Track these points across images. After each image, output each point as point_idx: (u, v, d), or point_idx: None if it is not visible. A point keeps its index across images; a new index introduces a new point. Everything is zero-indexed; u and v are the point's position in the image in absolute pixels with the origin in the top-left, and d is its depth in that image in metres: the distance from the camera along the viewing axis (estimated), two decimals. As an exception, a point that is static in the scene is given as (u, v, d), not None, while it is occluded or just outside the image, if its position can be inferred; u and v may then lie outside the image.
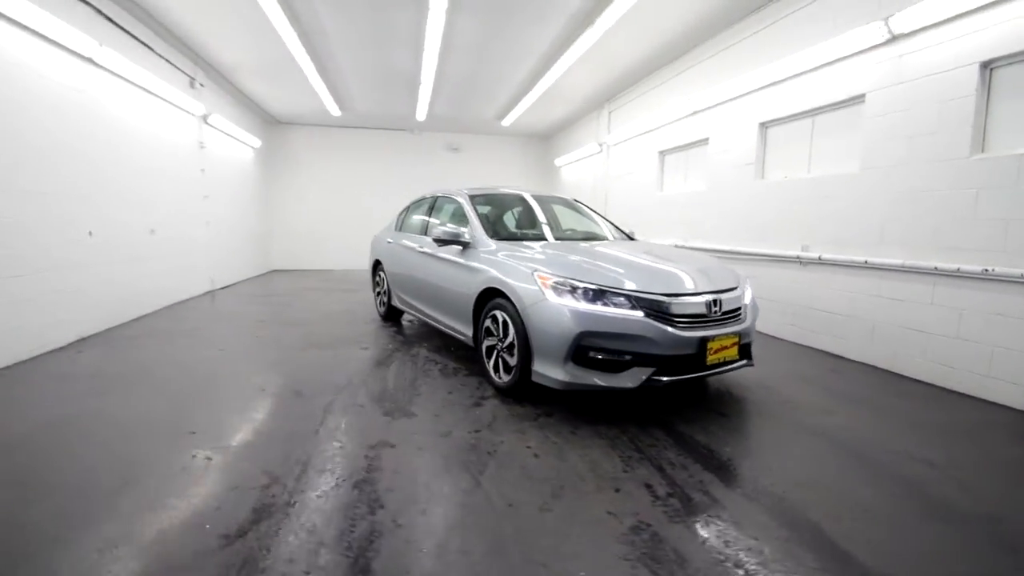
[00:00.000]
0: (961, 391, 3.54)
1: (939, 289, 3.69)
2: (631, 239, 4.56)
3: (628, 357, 2.83)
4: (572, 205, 4.93)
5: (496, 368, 3.44)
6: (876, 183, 4.15)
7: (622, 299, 2.88)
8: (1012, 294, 3.24)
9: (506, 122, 10.60)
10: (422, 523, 1.93)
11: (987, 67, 3.39)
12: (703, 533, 1.91)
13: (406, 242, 5.13)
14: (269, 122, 11.06)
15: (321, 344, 4.69)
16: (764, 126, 5.46)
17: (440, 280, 4.23)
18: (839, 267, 4.46)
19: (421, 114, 9.98)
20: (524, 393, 3.25)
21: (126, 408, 3.05)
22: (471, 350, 4.41)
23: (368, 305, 6.86)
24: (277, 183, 11.49)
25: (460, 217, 4.58)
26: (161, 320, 5.62)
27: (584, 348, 2.84)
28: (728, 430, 2.91)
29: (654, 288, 2.94)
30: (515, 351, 3.18)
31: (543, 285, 3.01)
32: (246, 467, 2.32)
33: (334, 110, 9.62)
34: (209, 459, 2.40)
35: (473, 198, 4.42)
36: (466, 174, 12.36)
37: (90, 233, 4.80)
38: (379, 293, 5.99)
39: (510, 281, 3.23)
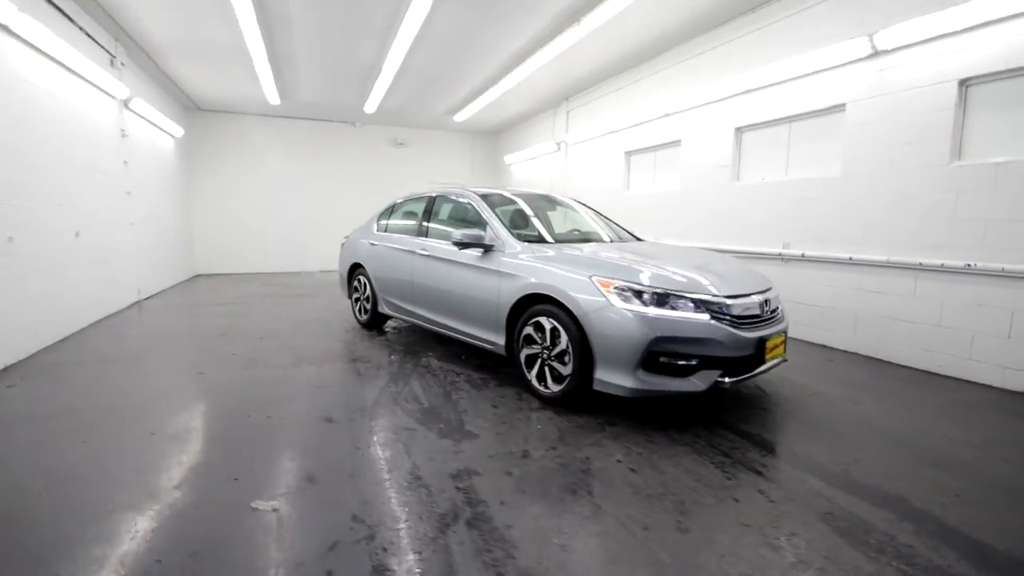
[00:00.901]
0: (943, 373, 3.96)
1: (921, 283, 4.09)
2: (638, 239, 4.58)
3: (695, 361, 2.82)
4: (566, 204, 4.80)
5: (541, 378, 3.28)
6: (858, 186, 4.52)
7: (686, 302, 2.85)
8: (991, 286, 3.67)
9: (459, 118, 10.31)
10: (576, 563, 1.75)
11: (964, 84, 3.80)
12: (849, 535, 1.92)
13: (397, 245, 4.77)
14: (189, 108, 9.83)
15: (313, 359, 4.22)
16: (740, 131, 5.75)
17: (455, 286, 3.97)
18: (823, 263, 4.81)
19: (371, 107, 9.39)
20: (577, 403, 3.13)
21: (145, 456, 2.51)
22: (491, 358, 4.21)
23: (337, 311, 6.33)
24: (200, 177, 10.26)
25: (465, 219, 4.33)
26: (98, 339, 4.76)
27: (654, 354, 2.78)
28: (786, 426, 2.99)
29: (714, 290, 2.95)
30: (569, 359, 3.05)
31: (605, 290, 2.91)
32: (329, 519, 1.98)
33: (273, 98, 8.75)
34: (276, 510, 2.02)
35: (486, 198, 4.19)
36: (412, 171, 11.91)
37: (10, 239, 3.93)
38: (358, 299, 5.53)
39: (561, 286, 3.08)
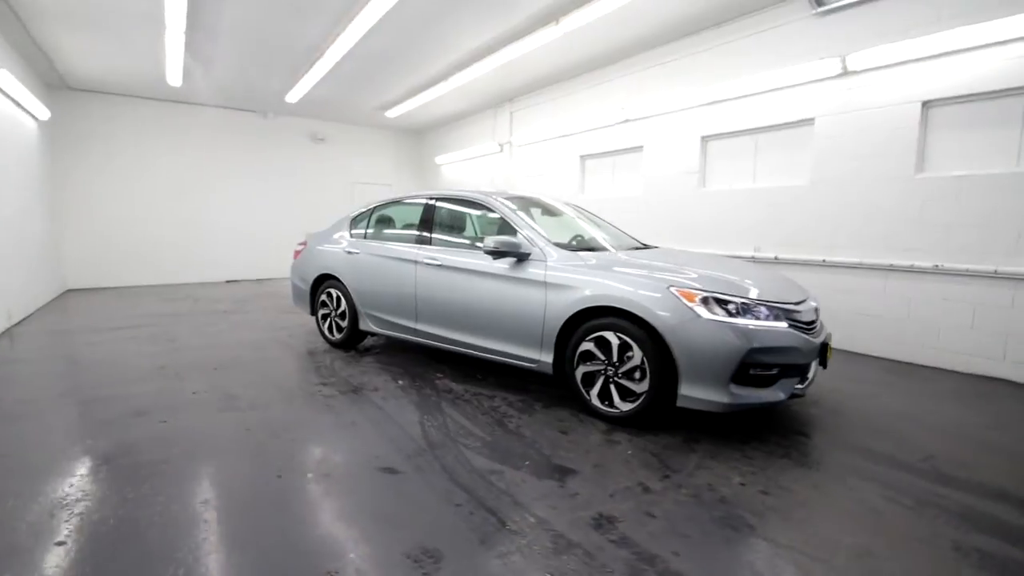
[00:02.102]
0: (915, 362, 4.44)
1: (890, 282, 4.56)
2: (646, 246, 4.52)
3: (775, 370, 2.79)
4: (557, 208, 4.56)
5: (604, 397, 3.05)
6: (827, 195, 4.93)
7: (765, 310, 2.81)
8: (955, 284, 4.19)
9: (393, 113, 9.60)
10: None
11: (926, 105, 4.30)
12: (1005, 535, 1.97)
13: (390, 254, 4.20)
14: (55, 86, 7.94)
15: (304, 392, 3.53)
16: (706, 139, 6.01)
17: (479, 299, 3.56)
18: (796, 265, 5.18)
19: (295, 95, 8.35)
20: (649, 422, 2.95)
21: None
22: (515, 377, 3.88)
23: (286, 329, 5.48)
24: (70, 171, 8.35)
25: (481, 224, 3.95)
26: (-24, 386, 3.54)
27: (745, 365, 2.69)
28: (839, 425, 3.08)
29: (784, 297, 2.95)
30: (643, 376, 2.86)
31: (689, 301, 2.76)
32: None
33: (175, 79, 7.36)
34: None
35: (512, 200, 3.84)
36: (332, 169, 10.93)
37: None
38: (328, 315, 4.80)
39: (635, 298, 2.87)
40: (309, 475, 2.38)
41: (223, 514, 2.05)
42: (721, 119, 5.77)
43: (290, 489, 2.25)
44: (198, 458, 2.54)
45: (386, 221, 4.61)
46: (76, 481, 2.29)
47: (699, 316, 2.72)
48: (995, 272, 3.95)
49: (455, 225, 4.12)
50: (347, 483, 2.32)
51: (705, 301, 2.75)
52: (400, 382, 3.78)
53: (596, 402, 3.08)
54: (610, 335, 2.97)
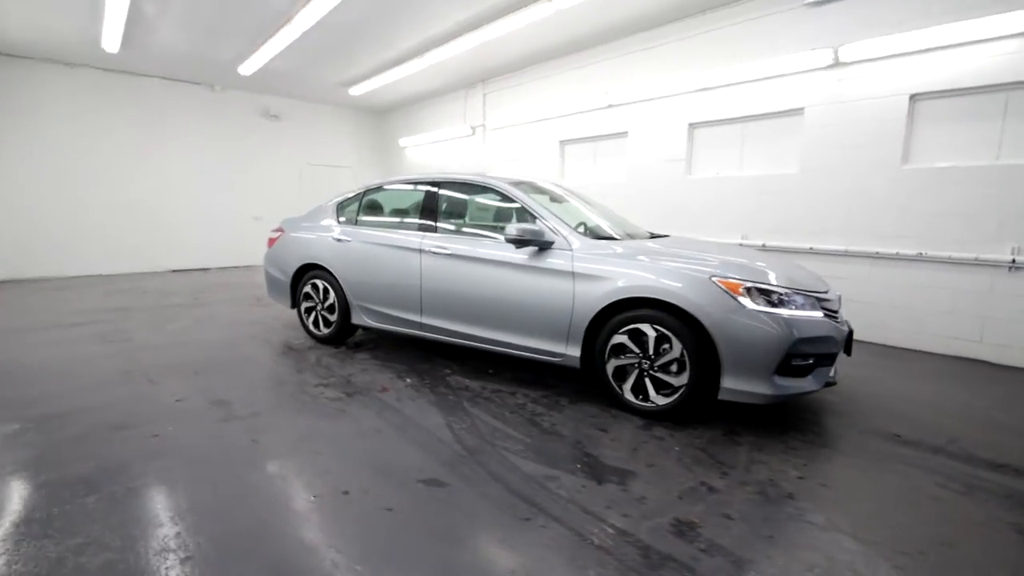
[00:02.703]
0: (896, 346, 4.67)
1: (876, 269, 4.75)
2: (656, 236, 4.43)
3: (811, 360, 2.79)
4: (557, 196, 4.39)
5: (638, 391, 2.95)
6: (816, 183, 5.05)
7: (802, 300, 2.79)
8: (937, 271, 4.41)
9: (357, 91, 9.01)
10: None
11: (914, 98, 4.45)
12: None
13: (389, 242, 3.89)
14: (-45, 45, 6.81)
15: (304, 395, 3.20)
16: (694, 126, 6.01)
17: (498, 291, 3.35)
18: (785, 253, 5.30)
19: (250, 67, 7.62)
20: (687, 415, 2.88)
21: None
22: (529, 370, 3.72)
23: (260, 324, 5.02)
24: (-23, 145, 7.23)
25: (492, 210, 3.72)
26: None
27: (788, 356, 2.67)
28: (861, 410, 3.15)
29: (815, 286, 2.95)
30: (684, 369, 2.78)
31: (733, 292, 2.69)
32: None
33: (112, 44, 6.49)
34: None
35: (518, 185, 3.62)
36: (287, 149, 10.22)
37: None
38: (312, 309, 4.41)
39: (676, 289, 2.77)
40: (346, 492, 2.12)
41: (265, 547, 1.77)
42: (710, 106, 5.78)
43: (330, 511, 1.99)
44: (212, 480, 2.20)
45: (380, 206, 4.27)
46: (57, 517, 1.91)
47: (744, 307, 2.66)
48: (976, 259, 4.18)
49: (463, 211, 3.86)
50: (392, 500, 2.08)
51: (749, 292, 2.69)
52: (408, 380, 3.52)
53: (629, 396, 2.98)
54: (646, 327, 2.86)
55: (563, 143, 7.57)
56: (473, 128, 8.96)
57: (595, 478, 2.27)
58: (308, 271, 4.41)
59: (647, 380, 2.92)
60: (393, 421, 2.85)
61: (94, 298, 6.32)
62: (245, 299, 6.38)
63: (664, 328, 2.81)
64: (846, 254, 4.88)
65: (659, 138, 6.28)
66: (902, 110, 4.48)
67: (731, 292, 2.70)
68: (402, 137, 10.70)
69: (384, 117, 11.36)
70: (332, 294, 4.23)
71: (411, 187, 4.15)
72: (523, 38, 6.47)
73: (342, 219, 4.34)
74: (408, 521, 1.94)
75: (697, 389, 2.77)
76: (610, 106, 6.74)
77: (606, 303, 2.96)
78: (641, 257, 3.03)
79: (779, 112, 5.27)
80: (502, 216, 3.73)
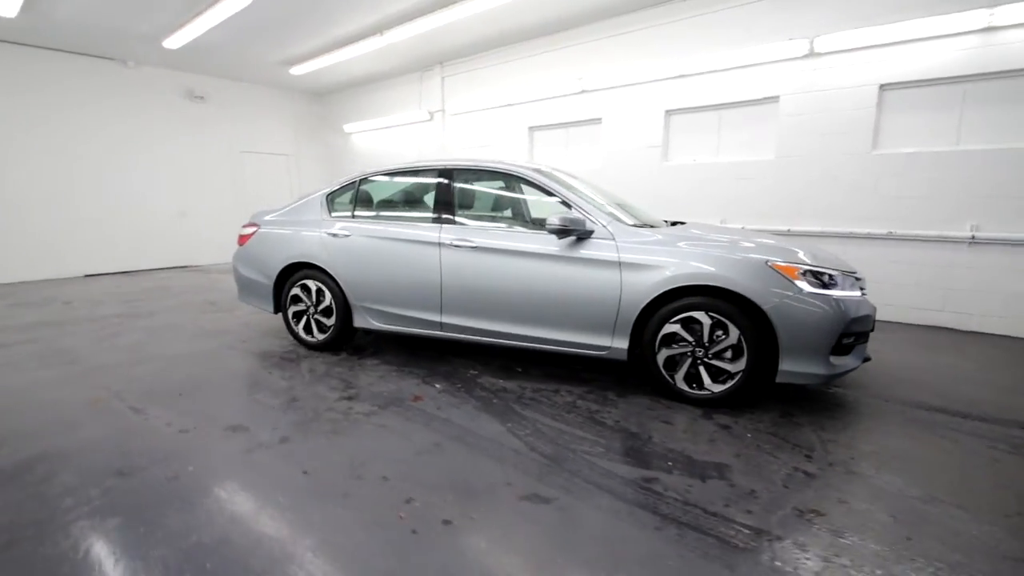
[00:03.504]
0: (868, 318, 5.06)
1: (848, 248, 5.10)
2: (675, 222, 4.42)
3: (853, 338, 2.90)
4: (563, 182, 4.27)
5: (691, 380, 2.91)
6: (792, 168, 5.31)
7: (846, 280, 2.88)
8: (904, 248, 4.81)
9: (299, 71, 8.24)
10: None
11: (883, 88, 4.78)
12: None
13: (399, 236, 3.55)
14: None
15: (335, 412, 2.84)
16: (670, 113, 6.10)
17: (537, 285, 3.16)
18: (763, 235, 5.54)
19: (178, 41, 6.69)
20: (742, 401, 2.88)
21: None
22: (560, 365, 3.58)
23: (231, 333, 4.45)
24: None
25: (499, 198, 3.51)
26: None
27: (841, 336, 2.74)
28: (873, 382, 3.34)
29: (851, 267, 3.06)
30: (741, 355, 2.78)
31: (791, 276, 2.71)
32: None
33: (9, 8, 5.37)
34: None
35: (540, 171, 3.43)
36: (215, 134, 9.20)
37: None
38: (301, 313, 3.96)
39: (735, 275, 2.74)
40: (448, 521, 1.87)
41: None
42: (687, 93, 5.88)
43: (452, 547, 1.74)
44: (294, 532, 1.86)
45: (381, 197, 3.90)
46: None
47: (801, 291, 2.69)
48: (939, 236, 4.60)
49: (483, 201, 3.62)
50: (503, 525, 1.87)
51: (805, 275, 2.73)
52: (438, 386, 3.25)
53: (682, 386, 2.94)
54: (701, 315, 2.82)
55: (532, 129, 7.41)
56: (431, 113, 8.54)
57: (693, 475, 2.20)
58: (296, 271, 3.94)
59: (701, 368, 2.89)
60: (448, 433, 2.60)
61: (5, 312, 5.29)
62: (195, 305, 5.64)
63: (720, 315, 2.79)
64: (821, 235, 5.19)
65: (635, 124, 6.32)
66: (872, 99, 4.80)
67: (788, 276, 2.72)
68: (348, 123, 9.98)
69: (326, 100, 10.53)
70: (328, 296, 3.81)
71: (415, 175, 3.82)
72: (488, 19, 6.20)
73: (335, 212, 3.91)
74: (531, 546, 1.75)
75: (753, 374, 2.79)
76: (583, 91, 6.66)
77: (658, 292, 2.88)
78: (681, 244, 2.99)
79: (755, 100, 5.47)
80: (526, 205, 3.54)
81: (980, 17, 4.16)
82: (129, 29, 6.45)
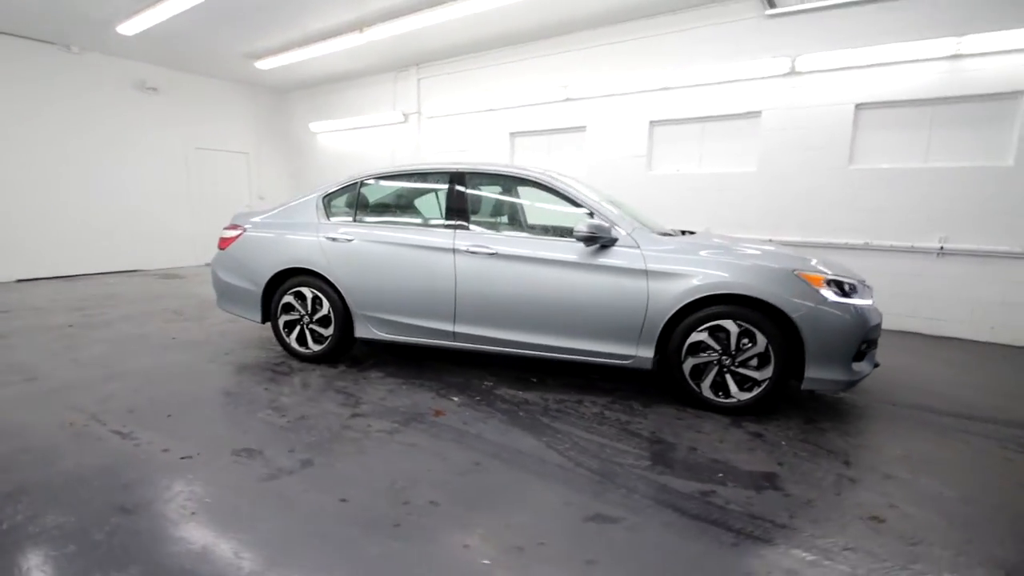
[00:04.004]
0: (845, 324, 5.32)
1: (828, 257, 5.32)
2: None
3: (866, 345, 3.00)
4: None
5: (717, 388, 2.92)
6: (773, 181, 5.52)
7: (862, 288, 2.97)
8: (880, 258, 5.09)
9: (265, 65, 7.79)
10: None
11: (859, 107, 5.06)
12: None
13: (409, 241, 3.37)
14: None
15: (354, 431, 2.63)
16: (654, 124, 6.21)
17: (560, 293, 3.07)
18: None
19: (135, 26, 6.15)
20: (766, 408, 2.91)
21: None
22: (576, 375, 3.52)
23: (209, 344, 4.08)
24: None
25: (513, 203, 3.42)
26: None
27: (861, 343, 2.83)
28: (872, 388, 3.49)
29: (861, 276, 3.17)
30: (768, 363, 2.81)
31: (816, 285, 2.77)
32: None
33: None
34: None
35: (558, 179, 3.35)
36: (169, 128, 8.57)
37: None
38: (296, 323, 3.68)
39: (764, 285, 2.77)
40: (520, 548, 1.74)
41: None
42: (671, 105, 6.00)
43: (528, 575, 1.61)
44: (349, 568, 1.66)
45: (386, 200, 3.70)
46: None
47: (826, 299, 2.76)
48: (911, 247, 4.91)
49: (497, 205, 3.50)
50: (578, 550, 1.76)
51: (829, 284, 2.80)
52: (455, 399, 3.09)
53: (708, 394, 2.94)
54: (729, 324, 2.84)
55: (514, 135, 7.35)
56: (406, 115, 8.31)
57: (747, 486, 2.18)
58: (288, 278, 3.67)
59: (728, 376, 2.90)
60: (483, 449, 2.46)
61: (-77, 323, 4.62)
62: (156, 313, 5.16)
63: (747, 323, 2.81)
64: (803, 245, 5.40)
65: (620, 134, 6.39)
66: (849, 117, 5.07)
67: (814, 285, 2.78)
68: (314, 121, 9.55)
69: (290, 98, 10.03)
70: (326, 304, 3.57)
71: (422, 178, 3.65)
72: (475, 23, 6.11)
73: (334, 216, 3.67)
74: (635, 572, 1.65)
75: (779, 382, 2.82)
76: (568, 99, 6.68)
77: (687, 301, 2.87)
78: (703, 252, 3.01)
79: (738, 114, 5.66)
80: (544, 211, 3.45)
81: (949, 45, 4.49)
82: (80, 11, 5.87)
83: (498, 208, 3.56)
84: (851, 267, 3.42)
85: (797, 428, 2.78)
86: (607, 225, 3.01)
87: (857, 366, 2.85)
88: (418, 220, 3.59)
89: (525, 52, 6.93)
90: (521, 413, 2.89)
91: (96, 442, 2.44)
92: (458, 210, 3.39)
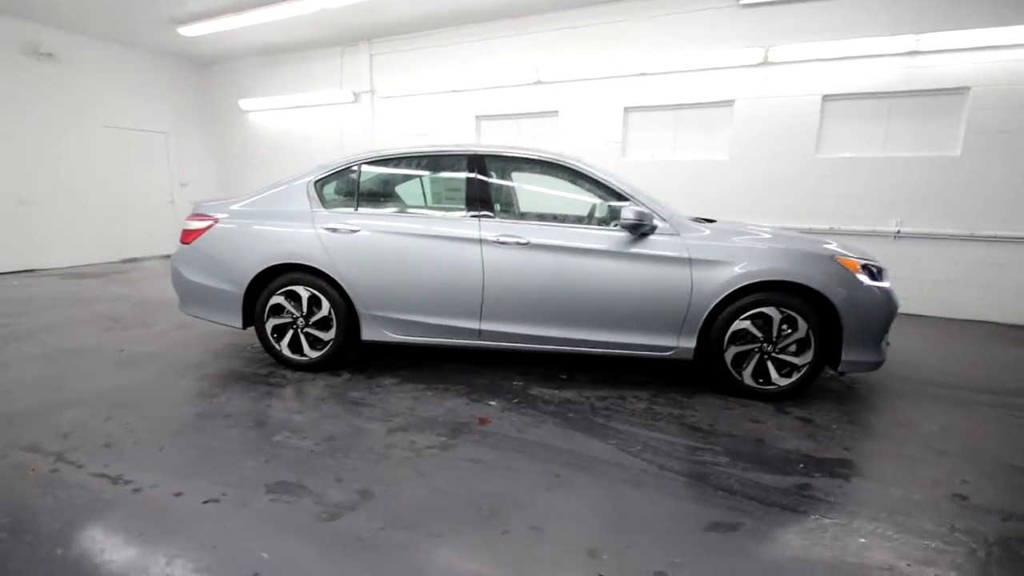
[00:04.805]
0: (811, 304, 5.65)
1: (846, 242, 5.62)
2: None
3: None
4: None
5: (759, 375, 2.91)
6: (745, 169, 5.71)
7: (884, 270, 3.09)
8: (846, 242, 5.40)
9: (191, 31, 6.80)
10: None
11: (825, 98, 5.32)
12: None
13: (432, 230, 3.04)
14: None
15: (398, 450, 2.31)
16: (629, 110, 6.18)
17: (601, 285, 2.91)
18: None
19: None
20: (798, 393, 2.95)
21: None
22: (607, 369, 3.39)
23: (157, 357, 3.50)
24: None
25: (536, 189, 3.21)
26: None
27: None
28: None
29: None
30: (808, 348, 2.84)
31: (853, 269, 2.83)
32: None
33: None
34: None
35: (587, 164, 3.16)
36: (68, 102, 7.29)
37: None
38: (288, 327, 3.22)
39: (809, 271, 2.79)
40: (662, 573, 1.58)
41: None
42: (646, 92, 5.99)
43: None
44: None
45: (392, 186, 3.31)
46: None
47: (862, 283, 2.83)
48: (871, 231, 5.29)
49: (522, 192, 3.24)
50: (719, 566, 1.62)
51: (864, 268, 2.87)
52: (492, 403, 2.84)
53: (750, 382, 2.93)
54: (771, 310, 2.83)
55: (480, 118, 7.03)
56: (356, 94, 7.67)
57: (833, 475, 2.16)
58: (278, 276, 3.18)
59: (768, 363, 2.91)
60: (553, 459, 2.25)
61: None
62: (87, 320, 4.34)
63: (790, 310, 2.82)
64: (773, 230, 5.65)
65: (594, 119, 6.30)
66: (816, 107, 5.33)
67: (852, 269, 2.84)
68: (245, 98, 8.57)
69: (216, 71, 8.90)
70: (326, 304, 3.14)
71: (433, 161, 3.31)
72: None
73: (330, 204, 3.23)
74: (771, 585, 1.54)
75: (818, 366, 2.87)
76: (539, 82, 6.47)
77: (732, 289, 2.83)
78: (737, 239, 2.98)
79: (713, 103, 5.76)
80: (574, 198, 3.26)
81: (908, 41, 4.82)
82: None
83: (523, 195, 3.31)
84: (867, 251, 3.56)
85: (835, 411, 2.84)
86: (649, 212, 2.88)
87: (884, 346, 2.97)
88: (432, 208, 3.25)
89: (493, 31, 6.60)
90: (571, 414, 2.71)
91: (78, 491, 1.93)
92: (480, 197, 3.09)
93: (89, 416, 2.56)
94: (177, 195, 8.52)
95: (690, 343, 2.94)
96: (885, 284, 2.91)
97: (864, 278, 2.84)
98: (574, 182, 3.15)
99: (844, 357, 2.85)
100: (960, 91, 4.84)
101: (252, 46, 7.81)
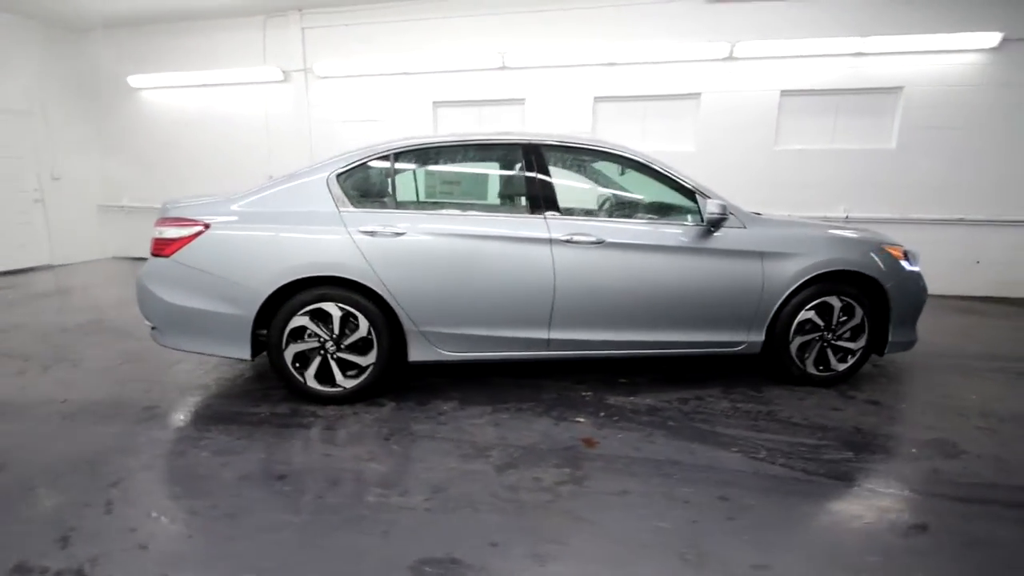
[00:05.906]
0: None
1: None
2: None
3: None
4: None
5: (819, 363, 2.99)
6: (710, 159, 5.92)
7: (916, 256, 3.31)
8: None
9: (68, -14, 5.40)
10: None
11: (784, 93, 5.68)
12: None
13: (493, 230, 2.67)
14: None
15: (525, 494, 1.97)
16: (599, 100, 6.10)
17: (679, 283, 2.79)
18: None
19: None
20: (849, 377, 3.08)
21: None
22: (659, 370, 3.30)
23: (126, 407, 2.75)
24: None
25: (595, 182, 3.00)
26: None
27: (920, 305, 3.18)
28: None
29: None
30: (862, 333, 2.96)
31: (898, 256, 2.99)
32: None
33: None
34: None
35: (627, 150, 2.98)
36: None
37: None
38: (315, 352, 2.64)
39: (868, 260, 2.90)
40: (908, 596, 1.48)
41: None
42: (615, 82, 5.96)
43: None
44: None
45: (435, 180, 2.86)
46: None
47: (904, 269, 3.01)
48: (824, 218, 5.78)
49: (584, 186, 2.96)
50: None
51: (904, 255, 3.05)
52: (581, 419, 2.58)
53: (812, 370, 3.00)
54: (834, 300, 2.91)
55: (437, 104, 6.51)
56: (286, 72, 6.70)
57: (950, 456, 2.25)
58: (300, 292, 2.59)
59: (828, 350, 2.99)
60: (696, 478, 2.07)
61: None
62: (37, 349, 3.26)
63: (848, 298, 2.92)
64: (739, 218, 5.96)
65: (563, 108, 6.14)
66: (775, 102, 5.68)
67: (896, 257, 3.00)
68: (135, 74, 7.08)
69: (95, 39, 7.18)
70: (364, 323, 2.62)
71: (480, 151, 2.92)
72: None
73: (360, 202, 2.69)
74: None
75: (868, 350, 3.02)
76: (504, 68, 6.14)
77: (802, 280, 2.85)
78: (797, 231, 3.07)
79: (680, 95, 5.89)
80: (639, 191, 3.07)
81: (855, 43, 5.29)
82: None
83: (587, 189, 3.04)
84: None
85: (891, 393, 3.01)
86: (725, 204, 2.80)
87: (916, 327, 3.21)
88: (485, 205, 2.86)
89: (453, 9, 6.10)
90: (671, 423, 2.55)
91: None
92: (544, 192, 2.78)
93: (68, 506, 1.85)
94: (48, 191, 6.83)
95: (759, 336, 2.92)
96: (918, 268, 3.14)
97: (906, 265, 3.02)
98: (640, 173, 2.97)
99: (890, 339, 3.02)
100: (895, 90, 5.44)
101: (144, 10, 6.43)
